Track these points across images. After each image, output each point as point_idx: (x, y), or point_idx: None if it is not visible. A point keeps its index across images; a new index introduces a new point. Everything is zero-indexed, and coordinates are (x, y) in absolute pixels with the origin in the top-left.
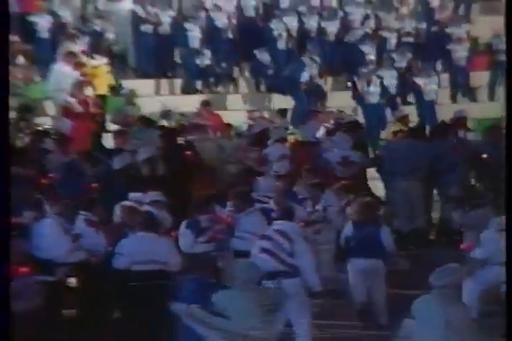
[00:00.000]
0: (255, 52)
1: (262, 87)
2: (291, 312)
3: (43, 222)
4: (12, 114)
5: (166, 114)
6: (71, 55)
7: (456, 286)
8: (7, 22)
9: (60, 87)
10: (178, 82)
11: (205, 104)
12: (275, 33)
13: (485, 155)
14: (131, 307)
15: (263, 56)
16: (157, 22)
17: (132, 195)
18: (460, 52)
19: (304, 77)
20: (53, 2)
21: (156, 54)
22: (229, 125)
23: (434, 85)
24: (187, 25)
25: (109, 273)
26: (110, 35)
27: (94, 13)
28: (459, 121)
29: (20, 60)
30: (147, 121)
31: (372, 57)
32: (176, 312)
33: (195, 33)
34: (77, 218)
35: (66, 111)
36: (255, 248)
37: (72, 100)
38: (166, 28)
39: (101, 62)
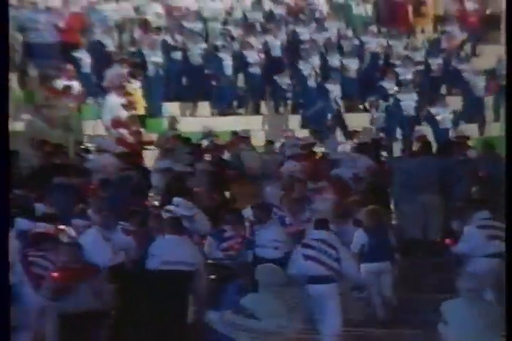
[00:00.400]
0: (275, 77)
1: (281, 109)
2: (325, 314)
3: (87, 231)
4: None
5: (208, 134)
6: (121, 87)
7: (482, 289)
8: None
9: (113, 116)
10: (203, 105)
11: (236, 134)
12: (305, 73)
13: (481, 173)
14: (159, 304)
15: (282, 81)
16: (186, 49)
17: (175, 199)
18: (473, 81)
19: (330, 116)
20: (94, 32)
21: (182, 78)
22: (270, 142)
23: (448, 114)
24: (220, 55)
25: (141, 273)
26: (144, 61)
27: (129, 41)
28: (461, 139)
29: (73, 86)
30: (184, 140)
31: (388, 83)
32: (209, 322)
33: (227, 62)
34: (116, 228)
35: (119, 141)
36: (297, 256)
37: (125, 131)
38: (197, 59)
39: (136, 85)
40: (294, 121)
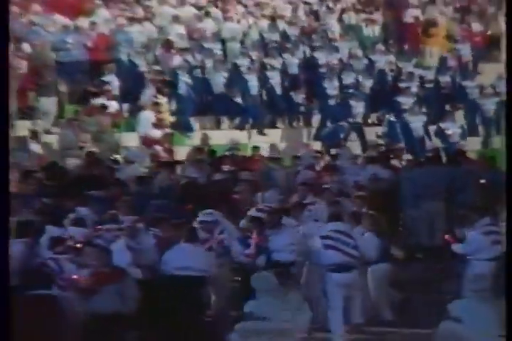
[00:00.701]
0: (291, 93)
1: (295, 124)
2: (351, 302)
3: (116, 243)
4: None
5: (234, 147)
6: (155, 105)
7: (488, 289)
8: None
9: (147, 133)
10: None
11: (256, 149)
12: (325, 93)
13: (483, 181)
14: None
15: (297, 97)
16: (205, 67)
17: (204, 211)
18: (478, 97)
19: (342, 135)
20: (121, 51)
21: (203, 95)
22: (295, 157)
23: (457, 129)
24: (241, 73)
25: (158, 278)
26: (176, 78)
27: (153, 60)
28: (459, 152)
29: (112, 105)
30: (210, 153)
31: (401, 98)
32: None
33: (250, 81)
34: (145, 233)
35: (153, 157)
36: (317, 247)
37: (159, 149)
38: (219, 77)
39: (163, 101)
40: (308, 134)
